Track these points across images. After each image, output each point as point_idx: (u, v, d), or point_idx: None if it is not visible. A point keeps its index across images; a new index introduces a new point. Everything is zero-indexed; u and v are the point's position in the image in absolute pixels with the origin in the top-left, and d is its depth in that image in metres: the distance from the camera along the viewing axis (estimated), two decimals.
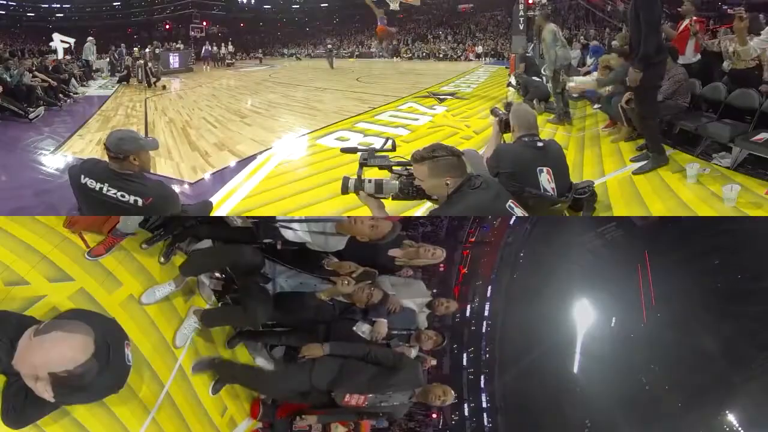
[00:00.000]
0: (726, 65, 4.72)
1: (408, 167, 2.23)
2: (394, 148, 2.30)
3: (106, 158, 2.23)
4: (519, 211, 2.09)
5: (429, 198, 2.24)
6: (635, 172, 4.20)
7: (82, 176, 2.20)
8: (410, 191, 2.21)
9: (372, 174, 2.29)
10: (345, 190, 2.24)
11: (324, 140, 5.66)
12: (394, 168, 2.29)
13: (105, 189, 2.17)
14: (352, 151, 2.41)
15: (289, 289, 2.69)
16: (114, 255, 2.50)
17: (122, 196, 2.17)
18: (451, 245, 9.41)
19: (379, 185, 2.23)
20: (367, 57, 26.15)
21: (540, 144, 2.56)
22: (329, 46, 22.03)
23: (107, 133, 2.32)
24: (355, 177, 2.23)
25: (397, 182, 2.24)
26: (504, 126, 2.73)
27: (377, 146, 2.33)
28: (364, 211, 2.39)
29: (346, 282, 2.44)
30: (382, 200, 2.26)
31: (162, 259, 2.66)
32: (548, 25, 5.97)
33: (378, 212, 2.24)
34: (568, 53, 6.07)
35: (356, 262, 2.65)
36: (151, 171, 2.45)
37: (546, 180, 2.47)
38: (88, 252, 2.44)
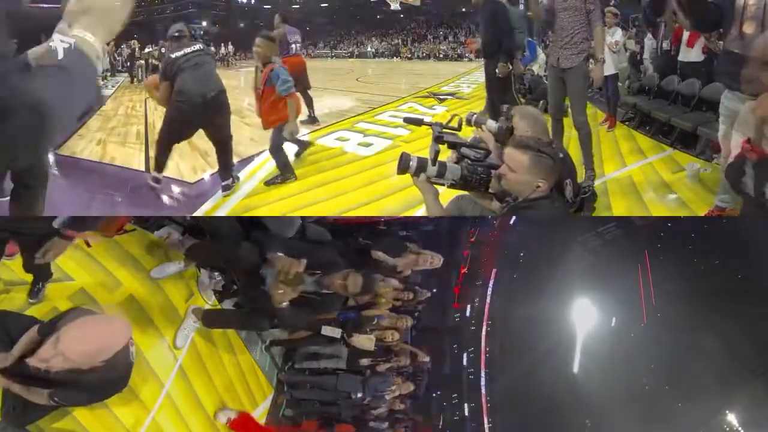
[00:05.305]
0: None
1: (479, 150, 1.97)
2: (459, 128, 2.04)
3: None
4: None
5: (477, 191, 1.94)
6: None
7: None
8: (473, 180, 1.89)
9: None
10: (404, 170, 1.84)
11: (324, 140, 5.66)
12: (462, 150, 1.98)
13: None
14: (417, 122, 2.15)
15: None
16: (114, 255, 2.51)
17: None
18: (451, 245, 9.41)
19: (443, 168, 1.85)
20: (365, 57, 26.20)
21: (561, 155, 2.24)
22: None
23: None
24: (416, 155, 1.84)
25: (459, 167, 1.89)
26: (507, 136, 2.20)
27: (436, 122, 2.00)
28: (362, 212, 2.38)
29: (281, 291, 2.31)
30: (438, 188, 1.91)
31: (30, 299, 2.16)
32: None
33: (434, 203, 1.89)
34: None
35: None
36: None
37: (569, 192, 2.22)
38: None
